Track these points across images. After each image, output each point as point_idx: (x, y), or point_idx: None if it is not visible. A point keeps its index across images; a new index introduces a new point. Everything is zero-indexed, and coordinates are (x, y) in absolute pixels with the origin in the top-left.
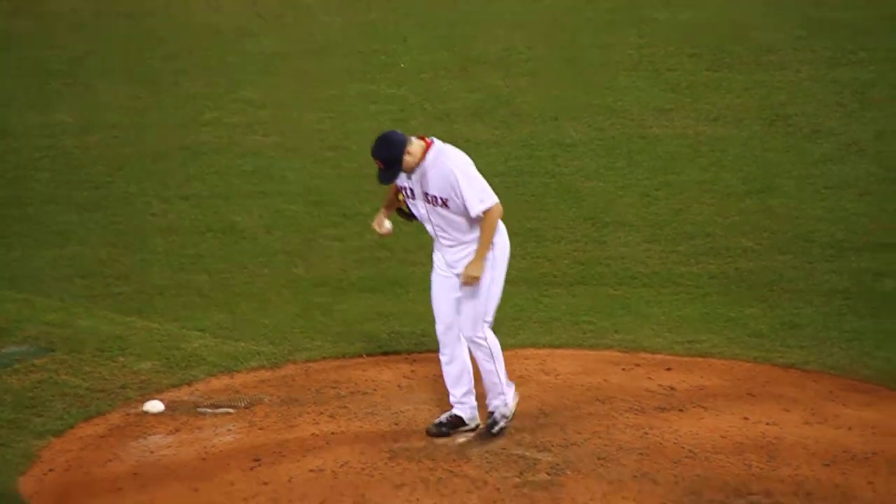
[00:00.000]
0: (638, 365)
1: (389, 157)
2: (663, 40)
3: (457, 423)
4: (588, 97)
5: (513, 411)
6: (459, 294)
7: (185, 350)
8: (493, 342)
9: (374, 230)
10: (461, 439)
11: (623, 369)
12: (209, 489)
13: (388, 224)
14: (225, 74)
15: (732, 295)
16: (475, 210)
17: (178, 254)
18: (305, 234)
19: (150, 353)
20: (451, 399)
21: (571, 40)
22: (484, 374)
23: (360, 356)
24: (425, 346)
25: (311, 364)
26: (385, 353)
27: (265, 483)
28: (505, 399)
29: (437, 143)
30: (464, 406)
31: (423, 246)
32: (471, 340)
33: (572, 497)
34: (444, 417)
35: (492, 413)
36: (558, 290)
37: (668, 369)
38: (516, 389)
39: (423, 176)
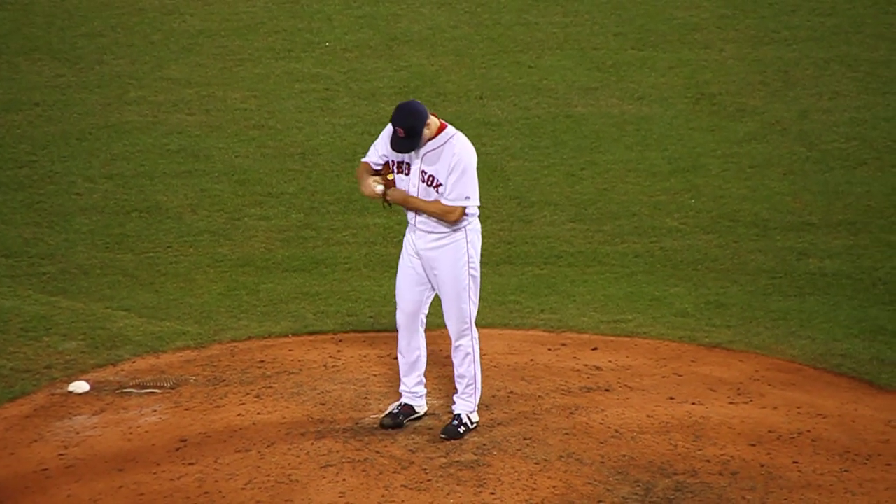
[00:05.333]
0: (564, 344)
1: (412, 127)
2: (588, 19)
3: (408, 412)
4: (513, 76)
5: (476, 421)
6: (423, 288)
7: (111, 330)
8: (477, 342)
9: (369, 192)
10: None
11: (549, 349)
12: (135, 469)
13: (380, 184)
14: (149, 53)
15: (658, 274)
16: (449, 200)
17: (103, 233)
18: (230, 214)
19: (75, 332)
20: (402, 388)
21: (496, 19)
22: (460, 373)
23: (286, 336)
24: (351, 326)
25: (236, 344)
26: (311, 333)
27: (191, 463)
28: (473, 405)
29: (451, 127)
30: (414, 395)
31: (348, 225)
32: (460, 335)
33: (498, 477)
34: (394, 407)
35: (458, 415)
36: (484, 270)
37: (594, 349)
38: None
39: (427, 154)
